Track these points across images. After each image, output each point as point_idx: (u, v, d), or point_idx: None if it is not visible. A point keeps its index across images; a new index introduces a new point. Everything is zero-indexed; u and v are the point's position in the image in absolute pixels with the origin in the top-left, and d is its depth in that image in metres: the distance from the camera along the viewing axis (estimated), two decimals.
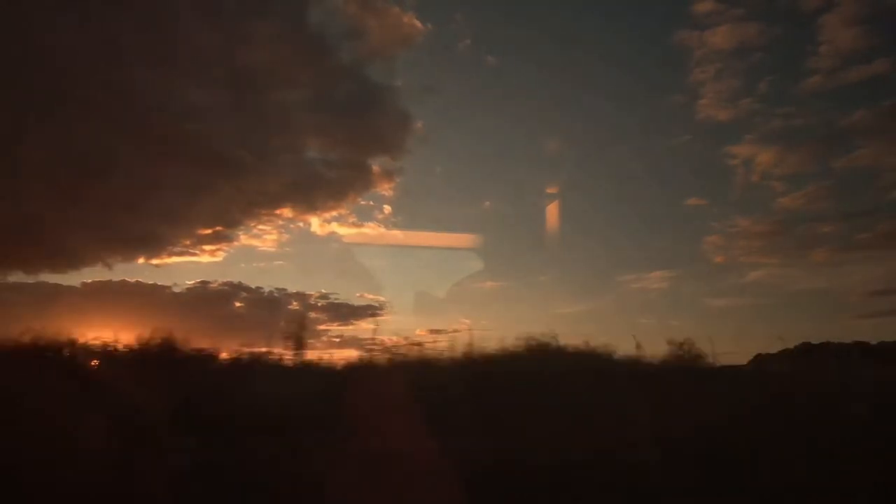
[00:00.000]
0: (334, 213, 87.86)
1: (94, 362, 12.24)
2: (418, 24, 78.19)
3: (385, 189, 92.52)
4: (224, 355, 13.68)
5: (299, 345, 14.44)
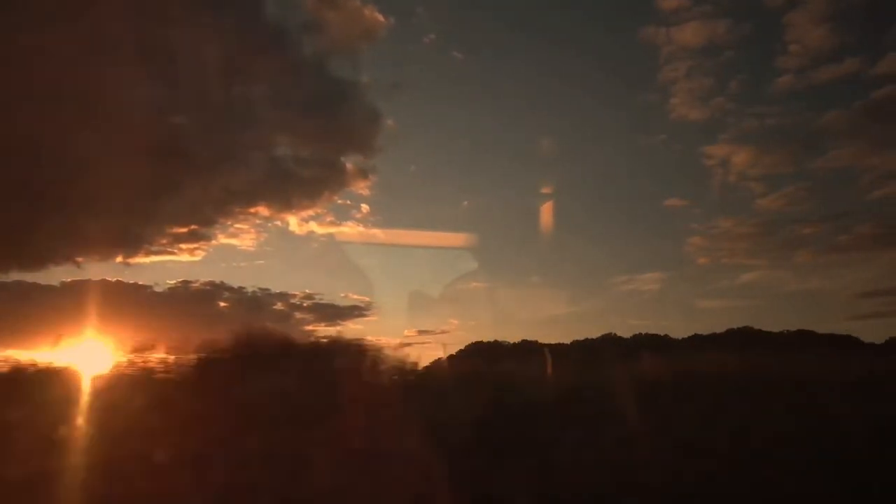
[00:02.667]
0: (311, 212, 75.43)
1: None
2: (380, 17, 74.67)
3: (361, 188, 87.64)
4: None
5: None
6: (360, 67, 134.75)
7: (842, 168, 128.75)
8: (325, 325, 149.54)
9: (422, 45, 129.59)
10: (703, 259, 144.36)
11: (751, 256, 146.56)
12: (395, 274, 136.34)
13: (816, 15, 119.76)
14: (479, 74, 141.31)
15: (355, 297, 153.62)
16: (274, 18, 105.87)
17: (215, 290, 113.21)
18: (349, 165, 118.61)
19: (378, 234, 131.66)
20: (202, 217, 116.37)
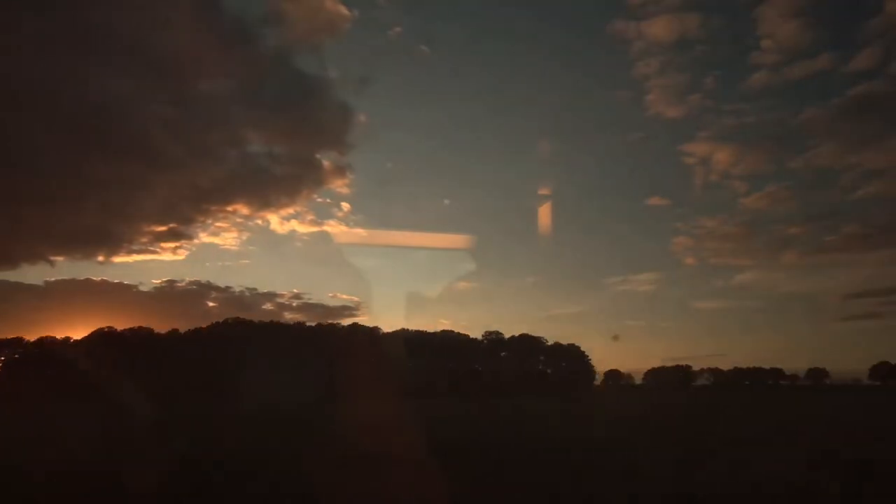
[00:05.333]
0: (291, 211, 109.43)
1: None
2: (343, 9, 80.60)
3: (339, 186, 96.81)
4: None
5: None
6: (326, 62, 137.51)
7: (823, 167, 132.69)
8: (317, 325, 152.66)
9: (388, 39, 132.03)
10: (690, 259, 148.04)
11: (737, 257, 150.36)
12: (384, 274, 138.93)
13: (787, 9, 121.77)
14: (448, 69, 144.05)
15: (344, 296, 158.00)
16: (232, 10, 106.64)
17: (202, 289, 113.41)
18: (326, 163, 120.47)
19: (362, 233, 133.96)
20: (180, 215, 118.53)
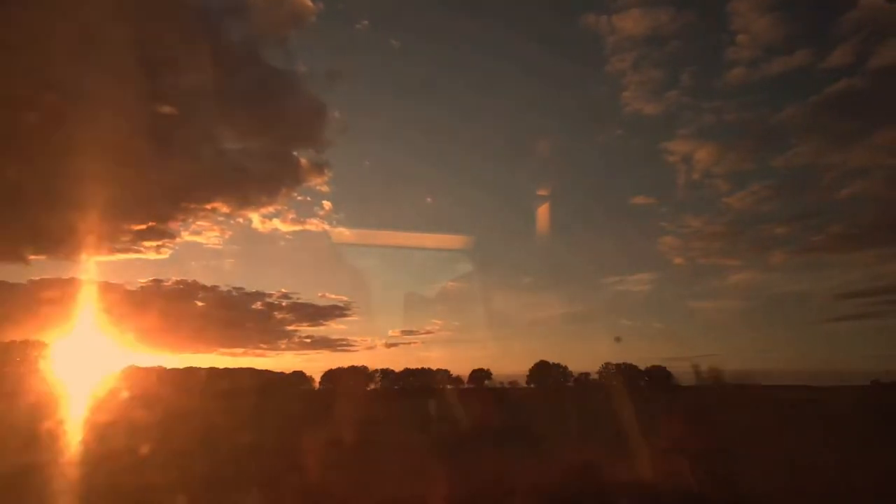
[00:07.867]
0: (271, 209, 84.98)
1: None
2: (308, 1, 70.47)
3: (319, 184, 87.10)
4: None
5: None
6: (294, 56, 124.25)
7: (804, 165, 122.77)
8: (308, 325, 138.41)
9: (355, 33, 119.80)
10: (678, 259, 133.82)
11: (725, 256, 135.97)
12: (373, 273, 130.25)
13: (761, 3, 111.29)
14: (419, 64, 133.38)
15: (333, 296, 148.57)
16: (193, 1, 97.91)
17: (188, 288, 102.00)
18: (303, 160, 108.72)
19: (345, 232, 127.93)
20: (158, 213, 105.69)
